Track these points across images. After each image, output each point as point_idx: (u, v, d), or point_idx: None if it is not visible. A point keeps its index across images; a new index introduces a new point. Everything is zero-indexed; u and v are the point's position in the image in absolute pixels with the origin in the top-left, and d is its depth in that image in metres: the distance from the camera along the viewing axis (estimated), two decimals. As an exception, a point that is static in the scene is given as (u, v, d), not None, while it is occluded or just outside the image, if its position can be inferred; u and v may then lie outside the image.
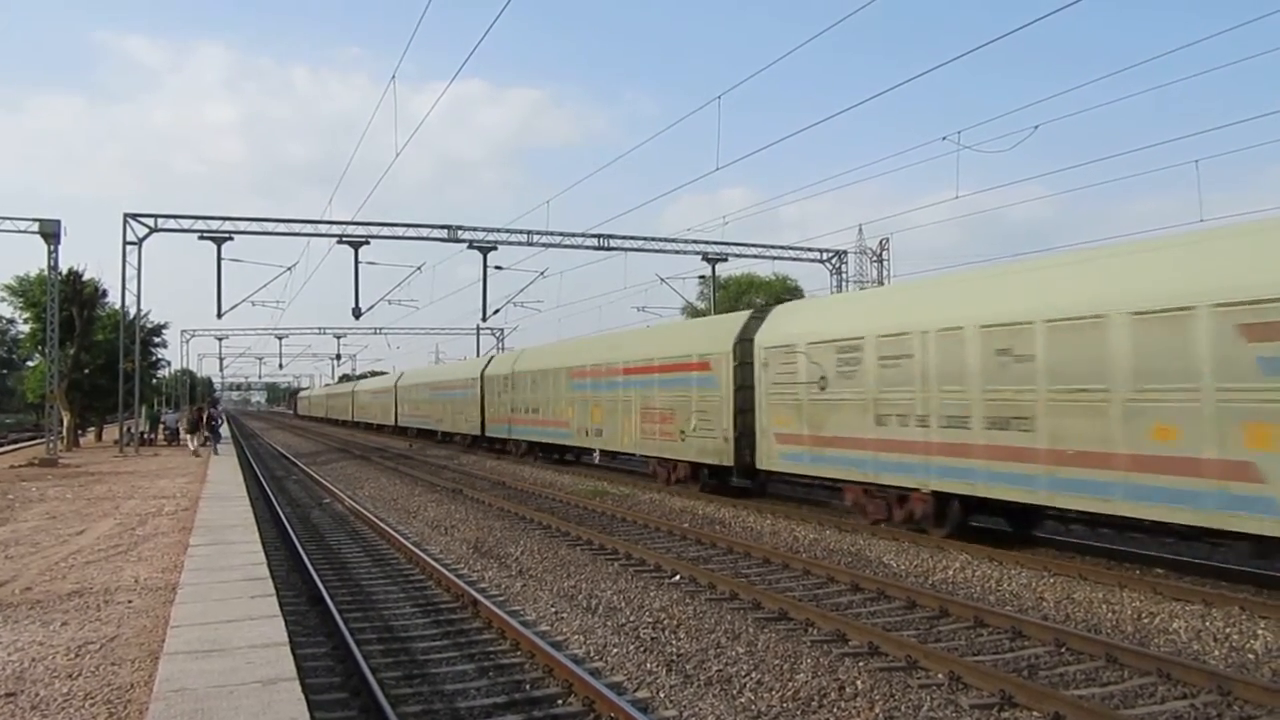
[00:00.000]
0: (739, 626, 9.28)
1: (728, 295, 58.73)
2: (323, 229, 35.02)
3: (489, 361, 38.51)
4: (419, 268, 44.67)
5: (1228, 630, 8.87)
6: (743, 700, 7.21)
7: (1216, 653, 8.36)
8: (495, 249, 37.11)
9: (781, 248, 41.55)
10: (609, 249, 38.16)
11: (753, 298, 58.62)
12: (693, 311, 56.03)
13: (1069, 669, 7.95)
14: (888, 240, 45.56)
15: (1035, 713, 6.80)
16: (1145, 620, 9.39)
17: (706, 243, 39.63)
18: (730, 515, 17.58)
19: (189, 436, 37.49)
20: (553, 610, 10.25)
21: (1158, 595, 10.24)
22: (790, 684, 7.49)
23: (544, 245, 37.42)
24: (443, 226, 36.28)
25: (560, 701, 7.26)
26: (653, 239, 39.47)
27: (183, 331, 78.20)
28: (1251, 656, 8.21)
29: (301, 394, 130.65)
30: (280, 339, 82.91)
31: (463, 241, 36.60)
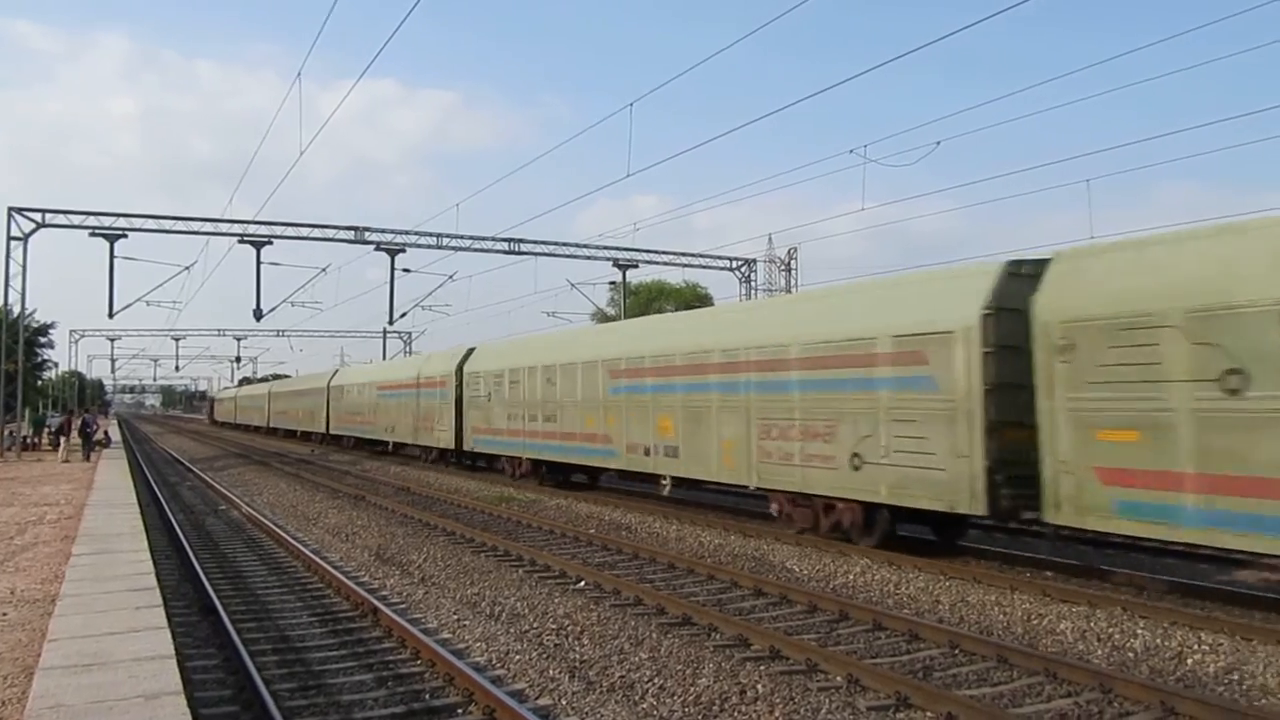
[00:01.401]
0: (643, 632, 9.28)
1: (638, 302, 58.93)
2: (223, 228, 34.06)
3: (468, 355, 29.34)
4: (324, 269, 43.66)
5: (1110, 630, 9.23)
6: (645, 706, 7.22)
7: (1099, 652, 8.69)
8: (404, 251, 36.61)
9: (692, 255, 42.01)
10: (520, 253, 37.98)
11: (663, 305, 58.93)
12: (603, 318, 56.10)
13: (962, 670, 8.16)
14: (796, 249, 46.28)
15: (929, 713, 6.96)
16: (1034, 621, 9.71)
17: (618, 249, 39.83)
18: (636, 521, 17.61)
19: (62, 441, 36.20)
20: (455, 618, 10.10)
21: (1046, 597, 10.60)
22: (692, 689, 7.52)
23: (454, 248, 37.08)
24: (349, 228, 35.63)
25: (460, 711, 7.15)
26: (564, 244, 39.47)
27: (71, 332, 74.94)
28: (1131, 655, 8.55)
29: (223, 394, 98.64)
30: (177, 340, 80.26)
31: (370, 243, 36.02)
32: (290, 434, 58.10)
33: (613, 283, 49.78)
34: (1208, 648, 8.53)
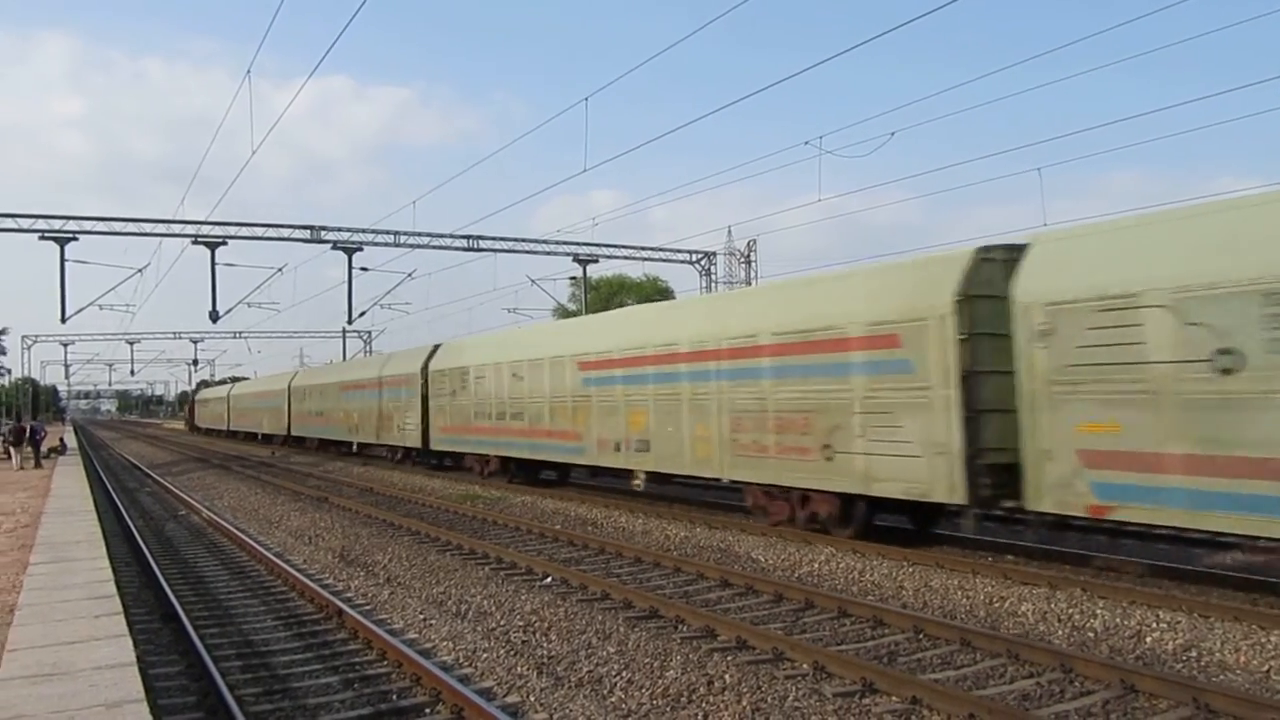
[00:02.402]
0: (610, 626, 9.29)
1: (599, 297, 58.89)
2: (176, 229, 33.47)
3: (434, 352, 28.97)
4: (280, 269, 43.06)
5: (1070, 611, 9.38)
6: (613, 700, 7.23)
7: (1060, 633, 8.83)
8: (361, 250, 36.23)
9: (652, 249, 41.94)
10: (479, 250, 37.73)
11: (624, 299, 58.92)
12: (564, 313, 55.97)
13: (926, 654, 8.26)
14: (755, 242, 46.40)
15: (894, 698, 7.03)
16: (996, 604, 9.84)
17: (577, 244, 39.65)
18: (602, 516, 17.61)
19: (13, 451, 35.61)
20: (421, 617, 10.05)
21: (1008, 580, 10.74)
22: (660, 681, 7.54)
23: (411, 246, 36.75)
24: (305, 227, 35.20)
25: (428, 710, 7.12)
26: (523, 240, 39.26)
27: (24, 337, 73.47)
28: (1091, 635, 8.70)
29: (204, 395, 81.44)
30: (131, 344, 78.91)
31: (326, 242, 35.61)
32: (251, 437, 56.87)
33: (573, 278, 49.78)
34: (1166, 625, 8.70)
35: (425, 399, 28.26)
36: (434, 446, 27.90)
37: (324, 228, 35.45)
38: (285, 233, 35.02)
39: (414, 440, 29.15)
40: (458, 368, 26.19)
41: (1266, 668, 7.57)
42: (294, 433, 45.52)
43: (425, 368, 28.51)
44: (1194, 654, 8.00)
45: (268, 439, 51.72)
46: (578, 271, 42.32)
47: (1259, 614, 8.79)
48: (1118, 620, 8.97)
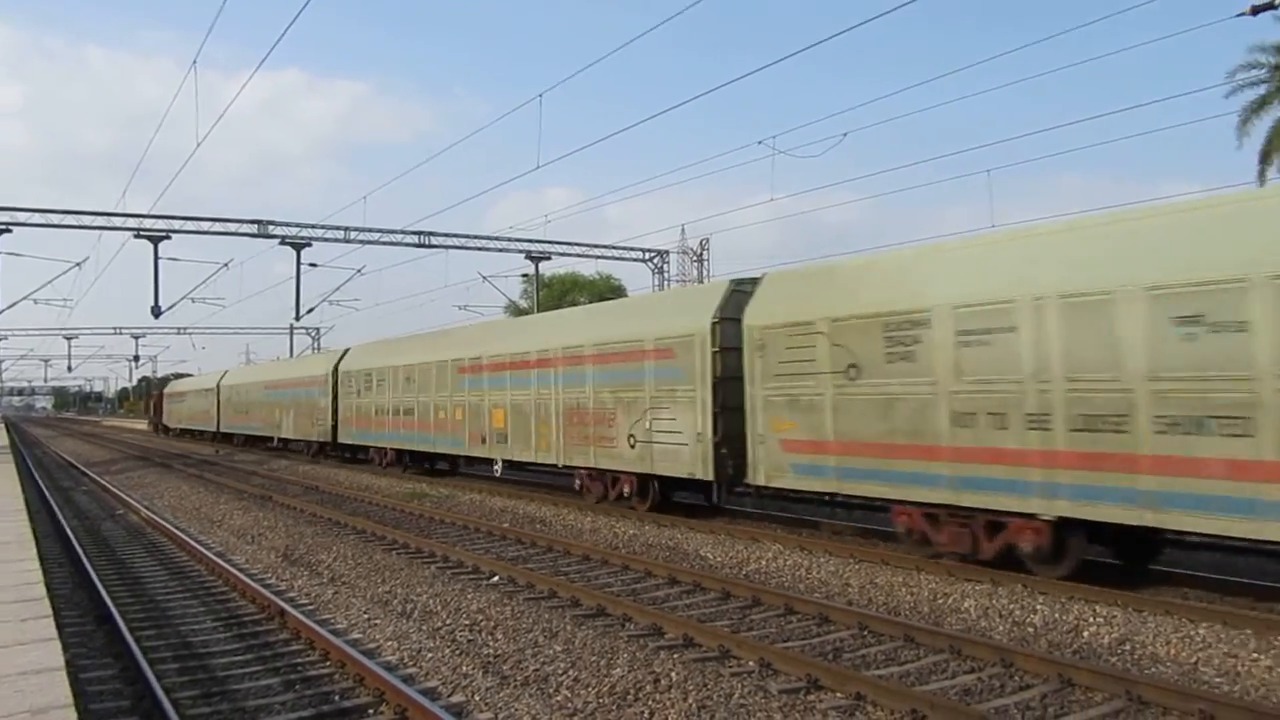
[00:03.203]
0: (557, 625, 9.25)
1: (552, 294, 58.69)
2: (117, 221, 32.68)
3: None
4: (226, 264, 42.22)
5: (1011, 606, 9.53)
6: (560, 698, 7.19)
7: (1001, 628, 8.97)
8: (310, 245, 35.69)
9: (605, 247, 41.87)
10: (430, 246, 37.38)
11: (576, 297, 58.77)
12: (516, 310, 55.66)
13: (871, 650, 8.34)
14: (708, 240, 46.49)
15: (839, 694, 7.09)
16: (940, 601, 9.97)
17: (530, 241, 39.45)
18: (551, 514, 17.55)
19: None
20: (366, 617, 9.92)
21: (951, 577, 10.89)
22: (607, 679, 7.52)
23: (362, 242, 36.29)
24: (253, 221, 34.61)
25: (371, 711, 7.03)
26: (476, 237, 38.96)
27: (-45, 332, 71.17)
28: (1031, 630, 8.85)
29: (176, 385, 68.32)
30: (69, 340, 76.93)
31: (274, 237, 35.02)
32: (188, 434, 56.91)
33: (526, 275, 49.54)
34: (1102, 620, 8.88)
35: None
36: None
37: (272, 222, 34.87)
38: (232, 227, 34.41)
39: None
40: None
41: (1195, 659, 7.75)
42: (223, 429, 47.56)
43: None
44: (1128, 647, 8.17)
45: (202, 435, 52.47)
46: (530, 268, 42.13)
47: (1188, 608, 9.03)
48: (1057, 615, 9.14)
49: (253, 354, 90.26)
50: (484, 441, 21.32)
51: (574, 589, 10.66)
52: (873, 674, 7.51)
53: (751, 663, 7.89)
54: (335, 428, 31.18)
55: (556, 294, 60.43)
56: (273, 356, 76.38)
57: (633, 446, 16.32)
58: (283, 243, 35.08)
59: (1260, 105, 30.87)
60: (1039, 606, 9.45)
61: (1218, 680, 7.33)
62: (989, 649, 7.96)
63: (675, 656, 8.11)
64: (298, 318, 39.78)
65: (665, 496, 16.62)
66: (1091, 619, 8.93)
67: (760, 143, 49.16)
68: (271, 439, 39.71)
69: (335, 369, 31.33)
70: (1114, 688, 6.93)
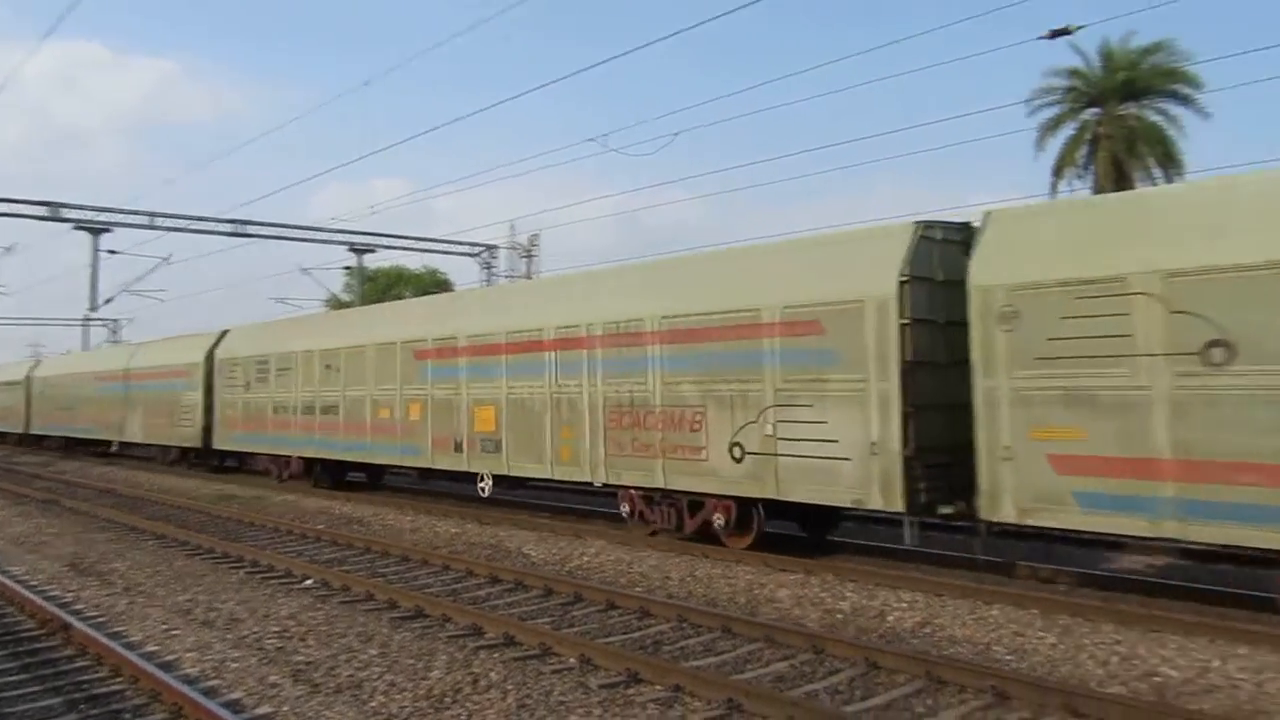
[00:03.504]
0: (373, 628, 8.95)
1: (376, 287, 56.97)
2: None
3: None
4: (9, 248, 38.84)
5: (823, 595, 9.91)
6: (374, 704, 6.94)
7: (813, 616, 9.31)
8: (109, 231, 33.38)
9: (433, 240, 41.14)
10: (246, 235, 35.65)
11: (402, 290, 57.29)
12: (337, 304, 53.74)
13: (690, 642, 8.47)
14: (538, 236, 46.25)
15: (658, 686, 7.15)
16: (756, 591, 10.25)
17: (353, 232, 38.26)
18: (370, 514, 17.02)
19: None
20: (163, 628, 9.28)
21: (768, 568, 11.23)
22: (424, 682, 7.32)
23: (169, 229, 34.20)
24: (42, 203, 32.01)
25: (166, 728, 6.57)
26: (296, 227, 37.46)
27: None
28: (840, 616, 9.22)
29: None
30: None
31: (68, 220, 32.52)
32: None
33: (348, 268, 47.97)
34: (905, 605, 9.35)
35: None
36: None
37: (65, 205, 32.37)
38: (17, 208, 31.68)
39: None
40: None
41: (988, 639, 8.27)
42: (34, 430, 40.01)
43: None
44: (929, 630, 8.64)
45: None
46: (353, 260, 40.80)
47: (982, 591, 9.65)
48: (864, 601, 9.56)
49: (40, 347, 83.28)
50: (458, 449, 16.23)
51: (391, 591, 10.35)
52: (691, 665, 7.63)
53: (572, 659, 7.87)
54: (208, 430, 25.06)
55: (381, 288, 58.75)
56: (65, 349, 70.74)
57: (738, 460, 11.67)
58: (78, 227, 32.65)
59: (1054, 124, 33.50)
60: (848, 594, 9.86)
61: (1008, 658, 7.84)
62: (801, 636, 8.23)
63: (495, 656, 8.00)
64: (93, 308, 37.16)
65: (820, 526, 12.77)
66: (896, 604, 9.40)
67: (593, 140, 49.42)
68: (109, 443, 32.90)
69: (210, 355, 25.17)
70: (915, 669, 7.29)
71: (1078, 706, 6.36)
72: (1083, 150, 33.18)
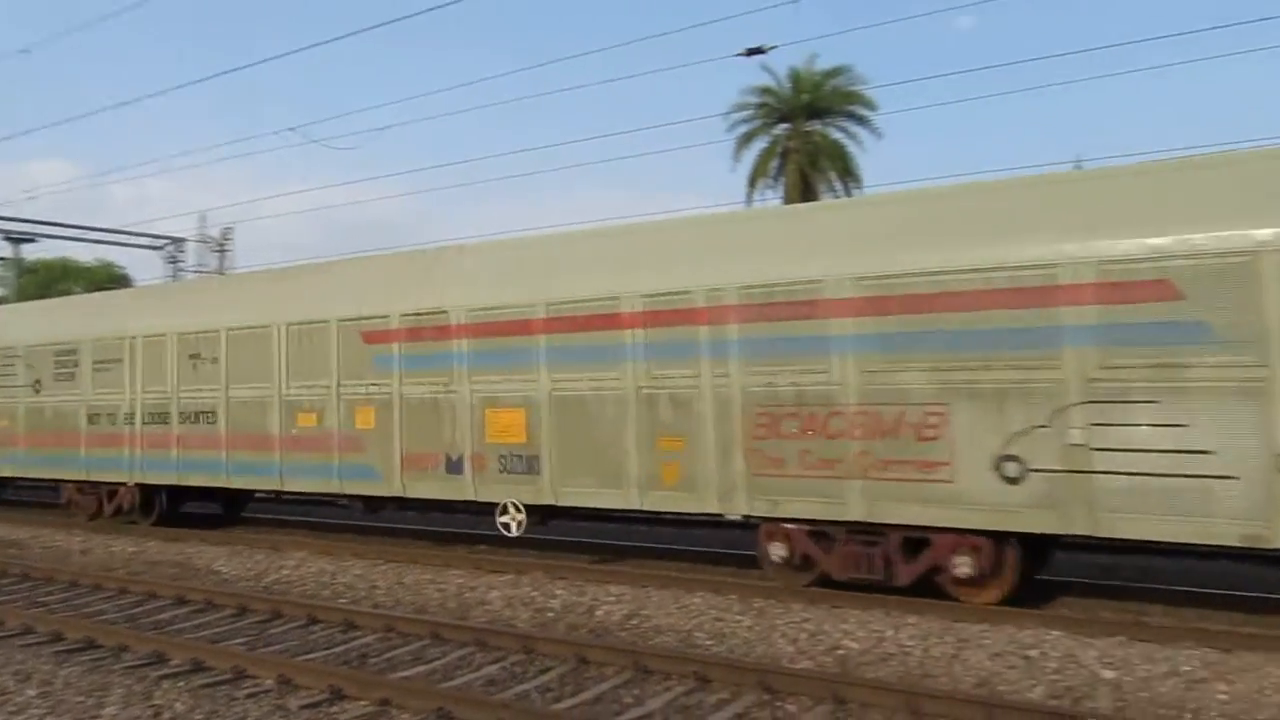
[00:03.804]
0: (32, 665, 7.92)
1: (36, 281, 50.88)
2: None
3: None
4: None
5: (534, 594, 9.95)
6: (31, 752, 6.15)
7: (524, 616, 9.31)
8: None
9: (107, 230, 37.32)
10: None
11: (70, 286, 51.58)
12: (-12, 300, 47.43)
13: (397, 652, 8.19)
14: (232, 229, 43.10)
15: (364, 701, 6.85)
16: (467, 595, 10.12)
17: (9, 219, 33.94)
18: (28, 535, 15.12)
19: None
20: None
21: (479, 570, 11.13)
22: (94, 721, 6.58)
23: None
24: None
25: None
26: (-72, 212, 32.63)
27: None
28: (551, 614, 9.30)
29: None
30: None
31: None
32: None
33: (2, 259, 42.68)
34: (614, 599, 9.59)
35: None
36: None
37: None
38: None
39: None
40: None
41: (690, 626, 8.66)
42: None
43: None
44: (635, 621, 8.90)
45: None
46: (9, 251, 36.33)
47: (684, 580, 10.12)
48: (574, 598, 9.70)
49: None
50: (453, 469, 11.59)
51: (55, 622, 9.22)
52: (398, 676, 7.38)
53: (269, 680, 7.36)
54: None
55: (43, 282, 52.55)
56: None
57: (1013, 480, 8.38)
58: None
59: (748, 139, 35.88)
60: (559, 592, 9.97)
61: (709, 643, 8.23)
62: (512, 638, 8.20)
63: (181, 685, 7.32)
64: None
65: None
66: (605, 598, 9.61)
67: (293, 129, 46.86)
68: None
69: None
70: (623, 661, 7.48)
71: (771, 684, 6.78)
72: (774, 163, 35.80)
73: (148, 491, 15.17)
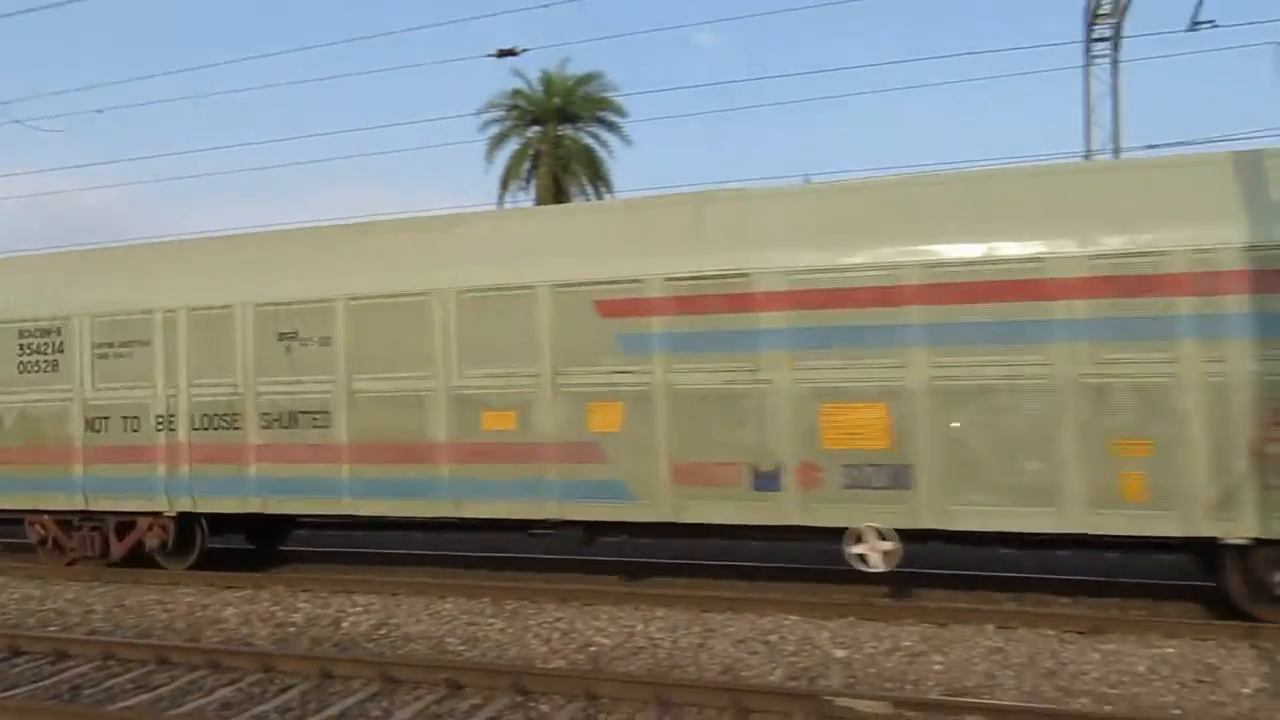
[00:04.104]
0: None
1: None
2: None
3: None
4: None
5: (274, 609, 9.43)
6: None
7: (264, 632, 8.80)
8: None
9: None
10: None
11: None
12: None
13: (118, 680, 7.50)
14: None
15: (75, 738, 6.23)
16: (199, 614, 9.43)
17: None
18: None
19: None
20: None
21: (211, 587, 10.40)
22: None
23: None
24: None
25: None
26: None
27: None
28: (294, 629, 8.84)
29: None
30: None
31: None
32: None
33: None
34: (361, 609, 9.27)
35: None
36: None
37: None
38: None
39: None
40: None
41: (442, 632, 8.51)
42: None
43: None
44: (384, 631, 8.63)
45: None
46: None
47: (436, 585, 9.95)
48: (319, 610, 9.28)
49: None
50: (765, 485, 8.79)
51: None
52: (118, 707, 6.76)
53: (-42, 724, 6.55)
54: None
55: None
56: None
57: None
58: None
59: (500, 140, 35.72)
60: (301, 605, 9.50)
61: (461, 648, 8.11)
62: (249, 657, 7.72)
63: None
64: None
65: None
66: (351, 609, 9.26)
67: (-3, 104, 41.60)
68: None
69: None
70: (370, 673, 7.22)
71: (525, 685, 6.78)
72: (526, 165, 35.85)
73: (186, 523, 11.24)
